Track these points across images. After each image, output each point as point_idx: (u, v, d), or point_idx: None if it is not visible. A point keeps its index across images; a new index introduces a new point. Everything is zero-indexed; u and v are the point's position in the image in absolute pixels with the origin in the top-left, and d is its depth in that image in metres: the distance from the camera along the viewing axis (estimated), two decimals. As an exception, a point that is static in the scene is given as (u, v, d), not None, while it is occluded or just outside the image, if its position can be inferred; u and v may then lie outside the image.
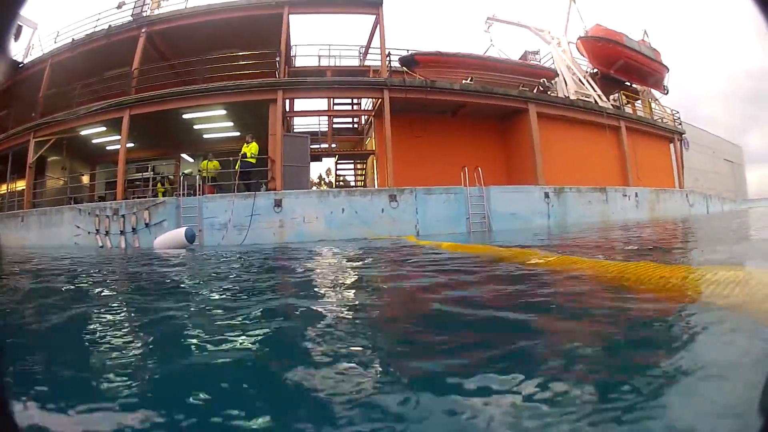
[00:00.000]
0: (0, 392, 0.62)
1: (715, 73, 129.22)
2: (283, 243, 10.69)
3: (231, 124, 16.79)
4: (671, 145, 23.44)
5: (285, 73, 14.85)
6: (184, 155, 19.04)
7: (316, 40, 30.21)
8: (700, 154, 31.39)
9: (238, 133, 16.49)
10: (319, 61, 18.19)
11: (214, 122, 16.69)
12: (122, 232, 11.91)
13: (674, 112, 24.94)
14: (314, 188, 15.72)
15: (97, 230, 12.23)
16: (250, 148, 12.97)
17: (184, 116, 15.57)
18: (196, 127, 17.07)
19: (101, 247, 11.84)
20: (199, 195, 12.11)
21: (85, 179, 17.56)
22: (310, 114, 18.28)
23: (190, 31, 15.53)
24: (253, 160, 12.99)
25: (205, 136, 17.74)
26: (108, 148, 16.86)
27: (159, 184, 15.77)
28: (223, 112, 15.58)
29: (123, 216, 11.99)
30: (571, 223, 14.18)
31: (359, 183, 19.22)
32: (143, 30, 15.35)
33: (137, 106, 14.33)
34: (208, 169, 13.83)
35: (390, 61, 16.11)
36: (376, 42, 16.52)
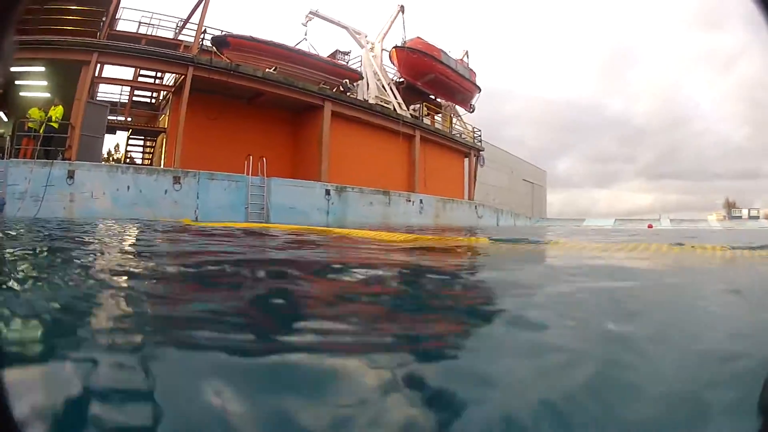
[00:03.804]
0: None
1: (532, 98, 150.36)
2: (71, 219, 10.61)
3: (45, 83, 16.28)
4: (466, 160, 27.81)
5: (105, 35, 14.99)
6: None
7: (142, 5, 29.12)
8: (497, 172, 37.83)
9: (48, 95, 16.03)
10: (138, 27, 18.41)
11: (31, 80, 16.78)
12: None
13: (476, 129, 29.65)
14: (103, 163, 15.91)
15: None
16: (56, 112, 13.65)
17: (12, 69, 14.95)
18: (16, 82, 16.85)
19: None
20: (7, 158, 12.31)
21: None
22: (115, 82, 18.32)
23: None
24: (56, 125, 13.54)
25: (21, 93, 16.89)
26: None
27: None
28: (42, 69, 15.70)
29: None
30: (351, 221, 16.38)
31: (146, 161, 19.83)
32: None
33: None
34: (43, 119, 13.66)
35: (204, 39, 17.94)
36: (196, 18, 18.15)
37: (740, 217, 53.48)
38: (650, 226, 37.60)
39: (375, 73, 23.59)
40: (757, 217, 51.47)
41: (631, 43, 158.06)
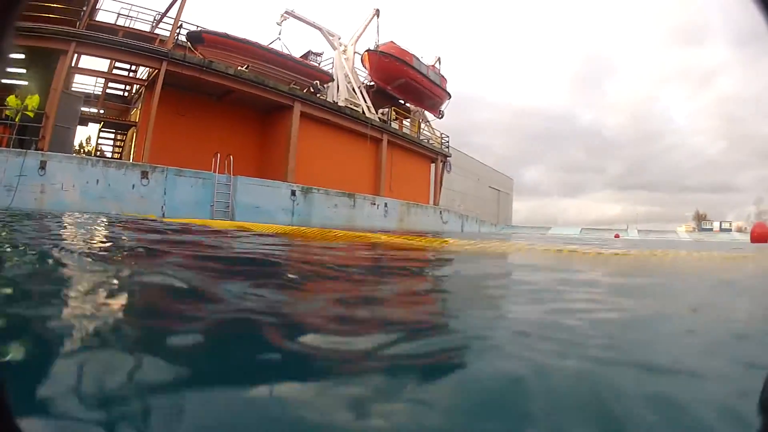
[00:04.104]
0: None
1: (503, 107, 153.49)
2: (42, 210, 10.82)
3: (24, 71, 16.19)
4: (433, 165, 28.58)
5: (85, 24, 15.10)
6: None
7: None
8: (464, 178, 38.87)
9: (26, 83, 16.00)
10: (117, 19, 18.55)
11: (11, 66, 16.56)
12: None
13: (444, 135, 30.33)
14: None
15: None
16: (33, 101, 13.97)
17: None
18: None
19: None
20: None
21: None
22: (91, 74, 18.38)
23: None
24: (32, 114, 13.77)
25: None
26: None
27: None
28: (21, 56, 15.76)
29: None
30: (315, 223, 16.84)
31: (116, 155, 19.98)
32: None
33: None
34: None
35: (179, 33, 18.40)
36: (174, 12, 18.37)
37: (711, 230, 55.16)
38: (617, 236, 39.20)
39: (346, 76, 24.19)
40: (730, 230, 53.00)
41: (607, 55, 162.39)
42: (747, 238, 32.35)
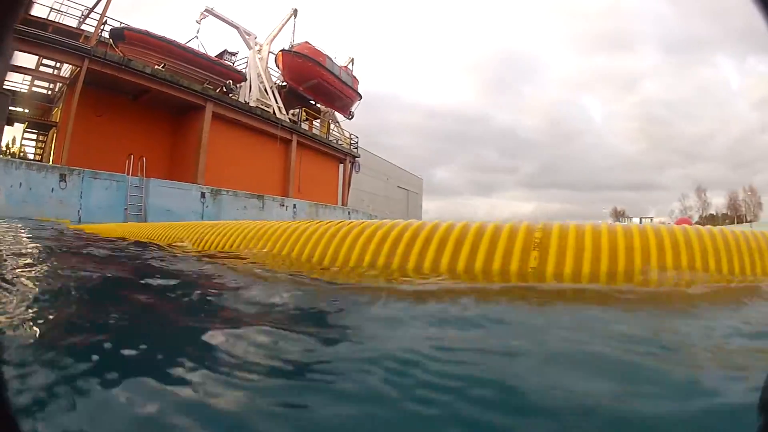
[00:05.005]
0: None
1: (414, 107, 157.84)
2: None
3: None
4: (341, 166, 30.11)
5: (20, 18, 15.00)
6: None
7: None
8: (373, 179, 40.79)
9: None
10: (49, 14, 18.54)
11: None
12: None
13: (353, 136, 31.83)
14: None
15: None
16: None
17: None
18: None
19: None
20: None
21: None
22: (21, 71, 18.24)
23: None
24: None
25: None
26: None
27: None
28: None
29: None
30: None
31: (38, 157, 20.36)
32: None
33: None
34: None
35: (103, 30, 18.83)
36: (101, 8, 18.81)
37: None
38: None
39: (259, 76, 25.22)
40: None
41: (525, 58, 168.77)
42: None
